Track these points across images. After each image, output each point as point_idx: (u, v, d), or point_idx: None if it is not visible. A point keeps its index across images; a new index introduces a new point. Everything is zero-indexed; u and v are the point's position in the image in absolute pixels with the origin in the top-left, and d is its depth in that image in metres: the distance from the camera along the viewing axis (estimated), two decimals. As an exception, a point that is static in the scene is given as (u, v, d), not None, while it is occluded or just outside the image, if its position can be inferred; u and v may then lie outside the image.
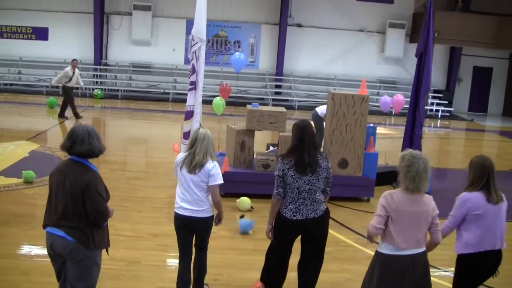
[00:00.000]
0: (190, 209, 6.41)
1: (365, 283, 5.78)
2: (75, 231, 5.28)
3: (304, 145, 6.43)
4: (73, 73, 20.37)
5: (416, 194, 5.48)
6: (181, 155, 6.59)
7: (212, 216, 6.58)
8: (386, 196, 5.52)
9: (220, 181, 6.43)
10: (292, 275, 6.85)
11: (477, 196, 6.01)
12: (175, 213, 6.55)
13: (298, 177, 6.33)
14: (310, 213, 6.39)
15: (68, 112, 20.39)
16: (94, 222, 5.34)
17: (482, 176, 6.09)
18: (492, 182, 6.10)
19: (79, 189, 5.25)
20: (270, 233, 6.67)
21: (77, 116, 20.39)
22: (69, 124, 19.71)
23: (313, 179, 6.37)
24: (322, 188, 6.53)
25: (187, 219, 6.43)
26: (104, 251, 5.63)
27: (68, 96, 20.43)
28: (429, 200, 5.59)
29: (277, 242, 6.72)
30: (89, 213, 5.28)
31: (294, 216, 6.39)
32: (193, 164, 6.36)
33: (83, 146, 5.34)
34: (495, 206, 6.01)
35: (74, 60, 20.86)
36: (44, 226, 5.50)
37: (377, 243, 5.80)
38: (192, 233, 6.60)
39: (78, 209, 5.27)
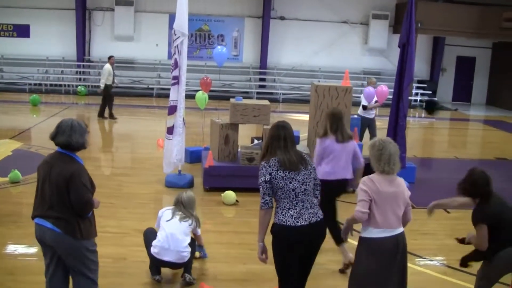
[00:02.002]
0: None
1: (356, 272, 5.85)
2: (61, 222, 5.39)
3: (286, 143, 5.76)
4: (113, 69, 20.23)
5: (392, 176, 5.73)
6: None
7: None
8: (365, 181, 5.71)
9: None
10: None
11: (330, 139, 8.08)
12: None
13: (291, 177, 5.62)
14: (313, 217, 5.64)
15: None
16: (78, 213, 5.43)
17: (333, 123, 8.10)
18: (340, 127, 8.10)
19: (64, 180, 5.36)
20: (264, 255, 5.74)
21: (112, 116, 20.27)
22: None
23: (306, 178, 5.68)
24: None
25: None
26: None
27: (108, 95, 20.15)
28: (402, 181, 5.85)
29: (283, 265, 5.72)
30: (73, 203, 5.37)
31: (298, 221, 5.56)
32: None
33: (62, 137, 5.50)
34: (342, 144, 8.06)
35: (111, 56, 20.62)
36: (33, 217, 5.59)
37: (358, 231, 5.86)
38: None
39: (63, 199, 5.37)
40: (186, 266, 7.24)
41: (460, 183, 6.09)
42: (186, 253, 7.13)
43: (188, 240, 7.22)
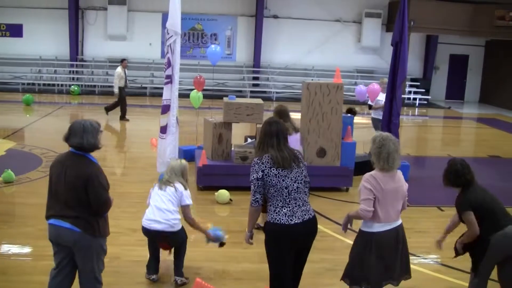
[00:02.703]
0: None
1: (359, 265, 5.94)
2: (80, 221, 5.50)
3: (279, 140, 5.71)
4: (125, 72, 20.18)
5: (392, 172, 5.85)
6: None
7: None
8: (369, 179, 5.80)
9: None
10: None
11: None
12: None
13: (284, 174, 5.58)
14: (305, 215, 5.62)
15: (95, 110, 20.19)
16: (97, 212, 5.57)
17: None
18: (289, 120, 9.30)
19: (81, 181, 5.45)
20: (250, 239, 5.93)
21: (123, 118, 20.26)
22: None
23: (299, 176, 5.64)
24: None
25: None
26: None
27: (121, 97, 20.12)
28: (401, 175, 6.01)
29: (277, 263, 5.71)
30: (92, 204, 5.50)
31: (291, 220, 5.54)
32: None
33: (75, 139, 5.53)
34: (291, 136, 8.32)
35: (124, 60, 20.56)
36: (47, 217, 5.68)
37: (354, 231, 5.88)
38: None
39: (81, 200, 5.48)
40: (176, 266, 7.22)
41: (444, 175, 6.29)
42: (175, 219, 7.07)
43: (173, 207, 7.13)
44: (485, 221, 6.14)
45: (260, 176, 5.59)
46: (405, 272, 6.10)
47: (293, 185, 5.60)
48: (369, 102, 14.73)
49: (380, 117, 13.76)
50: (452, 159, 6.38)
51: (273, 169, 5.57)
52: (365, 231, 5.89)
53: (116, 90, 20.04)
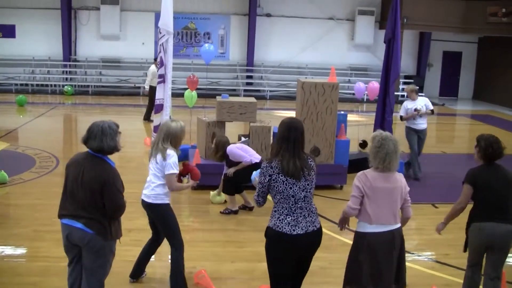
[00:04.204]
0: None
1: (350, 266, 5.88)
2: (94, 223, 5.54)
3: (294, 147, 5.53)
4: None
5: (388, 173, 5.71)
6: None
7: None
8: (359, 176, 5.75)
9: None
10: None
11: None
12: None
13: (292, 182, 5.44)
14: (310, 226, 5.52)
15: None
16: (111, 216, 5.63)
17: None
18: None
19: (98, 185, 5.48)
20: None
21: (147, 118, 19.81)
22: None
23: (307, 185, 5.54)
24: None
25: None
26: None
27: (151, 96, 19.22)
28: (400, 178, 5.83)
29: (276, 270, 5.63)
30: (108, 208, 5.55)
31: (294, 230, 5.44)
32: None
33: (95, 142, 5.55)
34: None
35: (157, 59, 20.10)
36: (60, 216, 5.71)
37: (351, 230, 5.87)
38: None
39: (96, 202, 5.52)
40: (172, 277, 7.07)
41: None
42: (152, 191, 6.88)
43: (156, 179, 6.85)
44: (476, 206, 6.37)
45: (267, 181, 5.50)
46: (396, 282, 5.85)
47: (301, 193, 5.49)
48: (400, 113, 13.26)
49: (412, 126, 13.02)
50: (481, 135, 6.54)
51: (281, 176, 5.45)
52: (358, 231, 5.82)
53: (147, 87, 19.69)
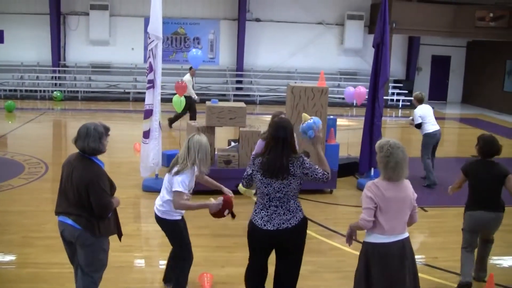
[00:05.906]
0: None
1: (360, 278, 5.71)
2: (81, 219, 5.71)
3: (277, 146, 5.67)
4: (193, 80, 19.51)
5: (398, 181, 5.59)
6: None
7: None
8: (371, 187, 5.58)
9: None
10: None
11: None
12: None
13: (267, 182, 5.66)
14: (283, 223, 5.67)
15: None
16: (99, 214, 5.74)
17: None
18: None
19: (84, 184, 5.65)
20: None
21: (171, 124, 19.27)
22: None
23: (283, 187, 5.66)
24: (297, 192, 5.87)
25: None
26: (116, 238, 6.18)
27: (188, 106, 18.03)
28: (408, 184, 5.74)
29: (250, 257, 6.09)
30: (94, 207, 5.68)
31: (265, 225, 5.68)
32: None
33: (80, 142, 5.73)
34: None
35: (192, 68, 19.21)
36: (57, 214, 5.90)
37: (359, 241, 5.81)
38: None
39: (83, 201, 5.68)
40: (175, 279, 7.05)
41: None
42: (161, 206, 6.60)
43: (166, 194, 6.55)
44: (469, 196, 7.47)
45: (249, 173, 5.90)
46: None
47: (275, 194, 5.67)
48: (416, 122, 13.15)
49: (430, 131, 12.98)
50: (482, 134, 7.82)
51: (259, 174, 5.70)
52: (368, 242, 5.64)
53: (195, 97, 18.95)
